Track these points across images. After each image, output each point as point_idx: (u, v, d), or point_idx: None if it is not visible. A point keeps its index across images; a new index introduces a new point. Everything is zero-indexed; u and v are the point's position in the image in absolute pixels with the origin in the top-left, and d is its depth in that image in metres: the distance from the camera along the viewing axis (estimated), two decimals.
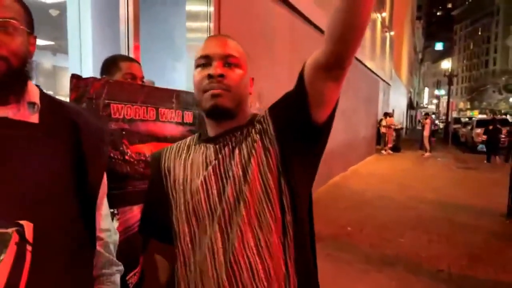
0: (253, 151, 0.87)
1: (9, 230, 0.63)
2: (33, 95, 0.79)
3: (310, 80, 0.82)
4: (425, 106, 54.02)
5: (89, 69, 3.24)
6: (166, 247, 0.99)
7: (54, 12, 5.99)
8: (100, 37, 3.27)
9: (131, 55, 2.67)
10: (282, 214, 0.86)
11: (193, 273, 0.88)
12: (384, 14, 13.51)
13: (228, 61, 0.90)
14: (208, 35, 3.44)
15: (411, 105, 30.65)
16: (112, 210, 1.34)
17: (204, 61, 0.90)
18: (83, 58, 3.36)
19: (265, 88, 4.19)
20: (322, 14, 5.69)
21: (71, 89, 1.14)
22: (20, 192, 0.72)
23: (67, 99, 1.15)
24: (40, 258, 0.68)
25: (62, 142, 0.80)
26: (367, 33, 10.84)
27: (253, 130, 0.90)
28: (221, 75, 0.88)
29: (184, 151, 0.98)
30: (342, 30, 0.74)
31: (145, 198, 1.08)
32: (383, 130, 13.27)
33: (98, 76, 1.54)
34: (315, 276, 0.94)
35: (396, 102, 20.01)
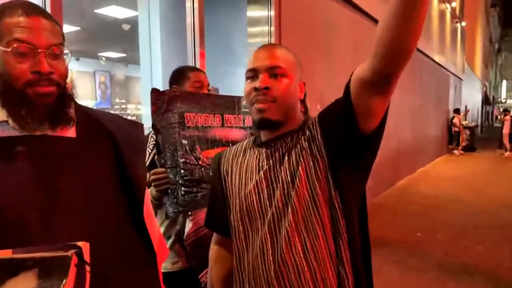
0: (301, 158, 0.90)
1: (69, 253, 0.62)
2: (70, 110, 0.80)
3: (356, 92, 0.82)
4: (503, 101, 49.36)
5: (159, 78, 3.45)
6: (228, 240, 1.05)
7: (126, 27, 6.47)
8: (169, 47, 3.46)
9: (197, 62, 2.79)
10: (332, 220, 0.89)
11: (246, 269, 0.95)
12: (454, 4, 12.59)
13: (274, 72, 0.92)
14: (269, 39, 3.48)
15: (487, 100, 28.11)
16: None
17: (252, 74, 0.94)
18: (153, 68, 3.58)
19: (326, 90, 4.13)
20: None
21: (152, 102, 1.23)
22: (73, 212, 0.72)
23: (139, 106, 1.23)
24: (98, 276, 0.67)
25: (101, 154, 0.80)
26: (435, 25, 10.18)
27: (302, 137, 0.93)
28: (267, 88, 0.91)
29: (241, 155, 1.03)
30: (389, 49, 0.74)
31: (209, 195, 1.13)
32: (455, 128, 12.35)
33: (167, 85, 1.63)
34: (370, 277, 0.97)
35: (470, 97, 18.51)
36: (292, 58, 0.97)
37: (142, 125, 0.96)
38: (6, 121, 0.72)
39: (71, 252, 0.62)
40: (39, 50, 0.70)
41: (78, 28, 6.96)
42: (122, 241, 0.79)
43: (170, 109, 1.25)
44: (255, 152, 0.99)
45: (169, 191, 1.24)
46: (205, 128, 1.38)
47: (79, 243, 0.64)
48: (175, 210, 1.27)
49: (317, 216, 0.88)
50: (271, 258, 0.89)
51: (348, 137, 0.85)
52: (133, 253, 0.80)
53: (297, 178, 0.89)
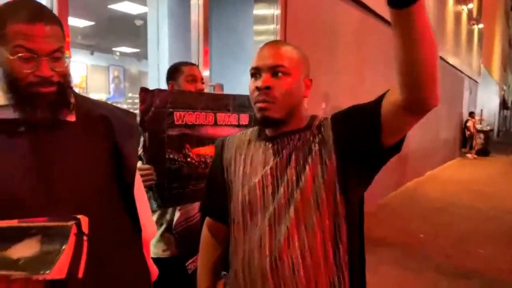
0: (309, 160, 0.90)
1: (69, 223, 0.69)
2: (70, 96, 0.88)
3: (387, 112, 0.82)
4: None
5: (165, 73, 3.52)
6: (221, 226, 1.08)
7: (138, 22, 6.58)
8: (175, 43, 3.53)
9: (201, 59, 2.85)
10: (334, 224, 0.90)
11: (242, 260, 0.96)
12: (470, 6, 12.35)
13: (276, 71, 0.91)
14: (275, 38, 3.52)
15: (504, 105, 27.47)
16: None
17: (255, 72, 0.95)
18: (161, 63, 3.66)
19: (331, 89, 4.14)
20: None
21: (140, 101, 1.28)
22: (74, 188, 0.81)
23: None
24: (94, 247, 0.73)
25: (98, 137, 0.89)
26: (450, 27, 10.02)
27: (311, 138, 0.93)
28: (268, 87, 0.91)
29: (245, 146, 1.03)
30: (404, 78, 0.72)
31: (207, 180, 1.14)
32: (469, 132, 12.15)
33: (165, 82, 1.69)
34: (364, 280, 0.98)
35: (486, 101, 18.15)
36: (297, 55, 0.95)
37: (135, 114, 1.04)
38: (7, 105, 0.80)
39: (71, 223, 0.68)
40: (41, 57, 0.78)
41: (92, 23, 7.10)
42: (115, 218, 0.87)
43: (159, 107, 1.30)
44: (261, 145, 0.98)
45: (153, 187, 1.29)
46: (196, 126, 1.43)
47: (79, 216, 0.70)
48: (160, 205, 1.32)
49: (318, 218, 0.89)
50: (267, 252, 0.90)
51: (364, 147, 0.85)
52: (123, 230, 0.89)
53: (303, 179, 0.89)
